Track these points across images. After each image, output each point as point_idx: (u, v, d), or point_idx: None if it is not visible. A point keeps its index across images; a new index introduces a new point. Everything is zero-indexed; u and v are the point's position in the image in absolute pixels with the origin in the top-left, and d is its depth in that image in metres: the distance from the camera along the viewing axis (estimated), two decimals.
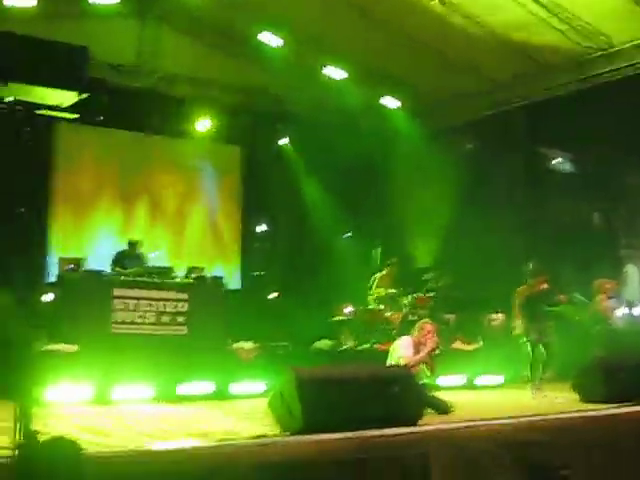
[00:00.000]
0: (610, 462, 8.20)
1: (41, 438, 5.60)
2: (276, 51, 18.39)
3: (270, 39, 18.23)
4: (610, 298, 14.54)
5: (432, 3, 16.65)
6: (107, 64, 17.80)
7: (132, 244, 15.05)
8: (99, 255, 16.54)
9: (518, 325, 13.34)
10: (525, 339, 13.07)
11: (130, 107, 18.57)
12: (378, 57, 19.27)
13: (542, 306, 13.29)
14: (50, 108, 15.83)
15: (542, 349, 13.00)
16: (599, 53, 17.88)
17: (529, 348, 13.03)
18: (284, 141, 21.65)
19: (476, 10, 17.04)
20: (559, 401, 12.01)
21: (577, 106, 19.25)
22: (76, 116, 16.57)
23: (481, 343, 16.81)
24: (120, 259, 14.55)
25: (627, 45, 17.44)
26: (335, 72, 19.40)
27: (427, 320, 10.90)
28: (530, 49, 18.37)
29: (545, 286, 13.37)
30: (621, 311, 15.42)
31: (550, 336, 13.07)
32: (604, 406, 10.16)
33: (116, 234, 18.67)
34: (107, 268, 14.17)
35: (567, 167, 23.94)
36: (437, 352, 10.34)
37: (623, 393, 10.59)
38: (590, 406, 10.45)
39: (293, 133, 21.55)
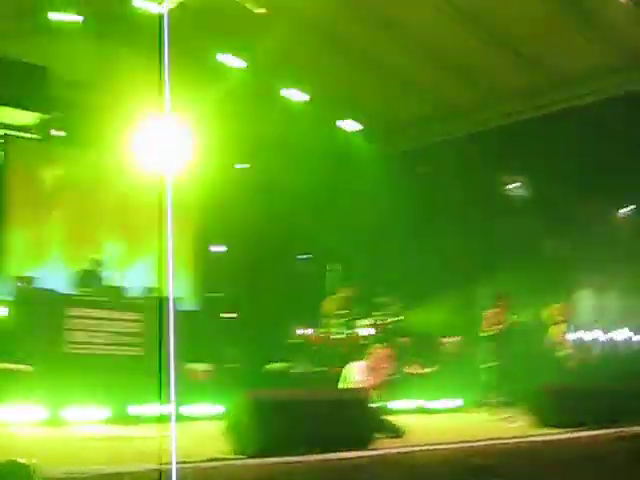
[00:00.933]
0: None
1: None
2: (236, 72, 18.46)
3: (231, 61, 18.31)
4: (563, 323, 14.70)
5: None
6: (66, 82, 17.69)
7: (93, 263, 14.89)
8: (52, 274, 16.39)
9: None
10: (487, 364, 13.14)
11: (89, 125, 18.43)
12: (337, 80, 19.45)
13: (505, 333, 13.40)
14: (8, 127, 15.71)
15: (500, 375, 13.09)
16: (551, 82, 18.21)
17: (489, 373, 13.11)
18: (242, 162, 21.70)
19: (433, 38, 17.28)
20: (514, 425, 12.13)
21: (531, 133, 19.56)
22: (35, 136, 16.50)
23: (435, 367, 16.89)
24: (80, 277, 14.41)
25: (579, 75, 17.78)
26: (295, 94, 19.53)
27: (381, 345, 10.92)
28: (485, 77, 18.66)
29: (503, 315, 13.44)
30: (573, 336, 15.60)
31: (509, 362, 13.18)
32: (557, 430, 10.27)
33: (69, 253, 18.52)
34: (60, 287, 14.01)
35: (520, 192, 24.18)
36: (391, 378, 10.34)
37: (576, 418, 10.74)
38: (544, 430, 10.55)
39: (253, 154, 21.59)
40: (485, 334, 13.35)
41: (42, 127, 16.70)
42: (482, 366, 13.22)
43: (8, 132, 16.37)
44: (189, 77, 18.33)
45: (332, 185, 21.71)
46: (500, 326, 13.13)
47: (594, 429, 10.08)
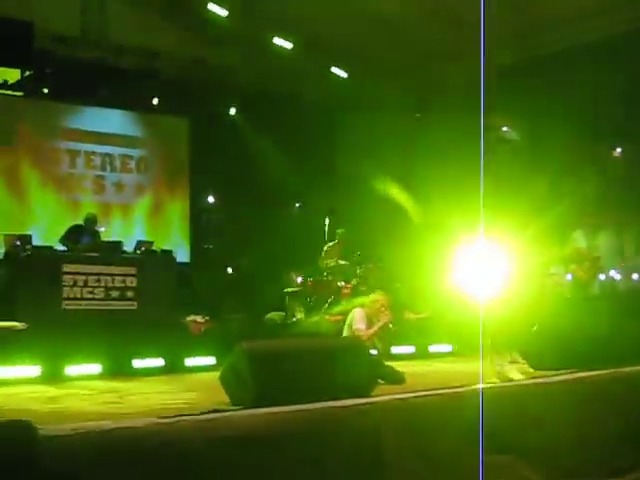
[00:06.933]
0: (559, 429, 8.37)
1: None
2: (224, 21, 18.28)
3: (218, 9, 18.10)
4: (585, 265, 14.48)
5: None
6: (51, 35, 17.51)
7: (89, 219, 14.60)
8: (42, 231, 16.39)
9: None
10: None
11: (76, 79, 18.27)
12: (326, 27, 19.28)
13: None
14: None
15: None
16: (544, 25, 18.03)
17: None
18: (232, 112, 21.61)
19: None
20: (508, 369, 12.17)
21: (525, 77, 19.45)
22: (20, 94, 16.31)
23: (429, 312, 16.94)
24: (74, 234, 14.21)
25: (572, 17, 17.61)
26: (283, 42, 19.38)
27: (379, 292, 10.89)
28: (472, 23, 18.46)
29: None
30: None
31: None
32: (551, 373, 10.30)
33: (60, 209, 18.52)
34: (51, 244, 13.91)
35: (514, 137, 24.06)
36: (390, 326, 10.32)
37: (569, 361, 10.73)
38: (538, 374, 10.58)
39: (242, 103, 21.50)
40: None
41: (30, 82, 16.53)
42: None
43: None
44: (180, 26, 18.28)
45: (323, 131, 21.62)
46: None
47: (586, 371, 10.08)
